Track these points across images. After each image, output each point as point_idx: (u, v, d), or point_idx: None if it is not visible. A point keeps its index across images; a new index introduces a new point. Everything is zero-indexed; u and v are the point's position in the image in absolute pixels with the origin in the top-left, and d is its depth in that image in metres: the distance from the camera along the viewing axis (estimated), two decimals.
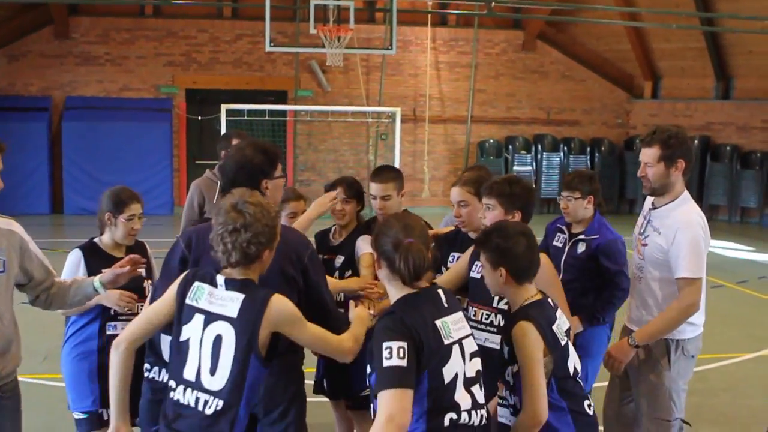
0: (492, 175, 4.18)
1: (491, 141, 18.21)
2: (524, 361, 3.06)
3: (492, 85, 18.33)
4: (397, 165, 15.21)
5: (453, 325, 2.90)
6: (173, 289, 3.00)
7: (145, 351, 3.55)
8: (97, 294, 3.68)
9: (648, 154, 3.96)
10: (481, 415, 2.92)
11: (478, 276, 3.59)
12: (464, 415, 2.84)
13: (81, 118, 16.33)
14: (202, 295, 2.92)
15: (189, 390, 2.88)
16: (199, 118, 16.80)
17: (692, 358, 4.08)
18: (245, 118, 15.45)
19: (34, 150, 16.14)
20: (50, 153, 16.39)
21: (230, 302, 2.89)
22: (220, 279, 2.93)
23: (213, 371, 2.85)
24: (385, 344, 2.72)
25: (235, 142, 5.33)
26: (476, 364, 2.96)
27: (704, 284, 3.98)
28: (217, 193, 5.27)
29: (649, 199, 4.18)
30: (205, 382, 2.86)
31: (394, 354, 2.70)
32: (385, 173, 4.63)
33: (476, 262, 3.63)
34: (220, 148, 5.64)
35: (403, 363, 2.69)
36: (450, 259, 4.15)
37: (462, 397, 2.85)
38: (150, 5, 16.60)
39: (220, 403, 2.83)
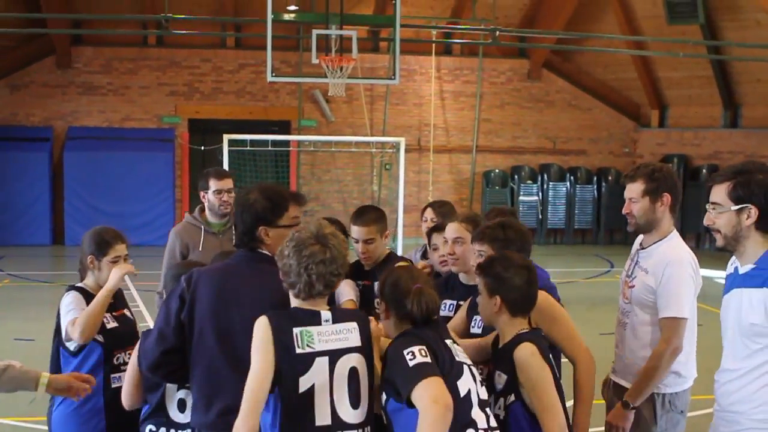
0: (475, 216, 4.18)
1: (497, 171, 18.23)
2: (535, 381, 3.05)
3: (497, 114, 18.39)
4: (401, 195, 15.27)
5: (460, 351, 3.05)
6: (265, 355, 2.81)
7: (143, 414, 3.41)
8: (36, 390, 3.33)
9: (632, 189, 3.85)
10: None
11: (479, 331, 3.57)
12: None
13: (83, 148, 16.41)
14: (312, 338, 2.87)
15: None
16: (202, 148, 16.86)
17: (681, 414, 3.87)
18: (248, 148, 15.49)
19: (36, 180, 16.23)
20: (52, 183, 16.45)
21: (349, 333, 2.94)
22: (325, 315, 2.93)
23: (356, 405, 2.90)
24: (406, 350, 2.85)
25: (214, 182, 5.26)
26: (484, 392, 3.04)
27: (694, 330, 3.82)
28: (202, 238, 5.20)
29: (638, 240, 4.07)
30: (347, 419, 2.88)
31: (417, 354, 2.83)
32: (367, 215, 4.34)
33: (474, 317, 3.61)
34: (200, 188, 5.40)
35: (428, 359, 2.83)
36: (442, 306, 3.96)
37: (478, 415, 2.93)
38: (153, 35, 16.73)
39: (369, 429, 2.94)
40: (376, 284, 4.11)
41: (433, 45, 17.39)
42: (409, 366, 2.80)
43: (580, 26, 17.35)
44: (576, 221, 18.15)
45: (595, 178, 18.33)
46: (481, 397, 2.99)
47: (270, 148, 15.94)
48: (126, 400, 3.39)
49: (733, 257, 3.31)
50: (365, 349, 2.96)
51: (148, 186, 16.48)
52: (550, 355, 3.19)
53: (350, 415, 2.87)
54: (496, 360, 3.23)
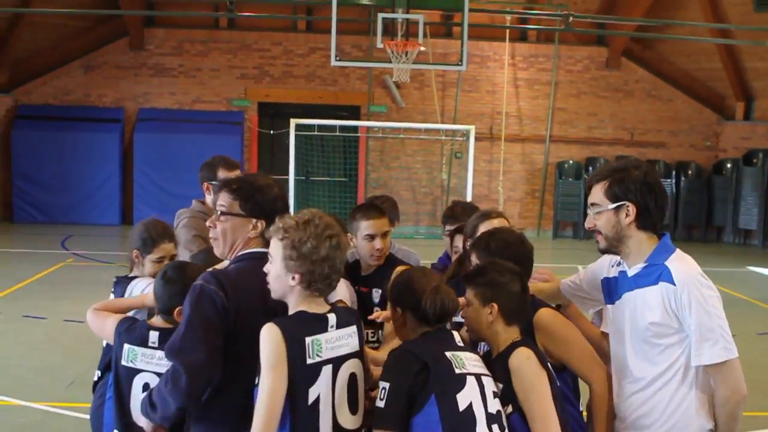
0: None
1: (570, 162, 18.00)
2: (529, 388, 2.90)
3: (573, 103, 18.14)
4: (470, 184, 15.21)
5: (467, 360, 2.88)
6: (280, 369, 2.65)
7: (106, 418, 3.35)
8: None
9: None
10: None
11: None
12: None
13: (153, 129, 16.77)
14: (321, 347, 2.77)
15: None
16: (271, 132, 17.07)
17: None
18: (315, 133, 15.63)
19: (106, 161, 16.68)
20: (122, 164, 16.88)
21: (349, 338, 2.86)
22: (331, 320, 2.82)
23: (355, 410, 2.85)
24: (381, 384, 2.80)
25: (223, 172, 4.83)
26: (497, 404, 2.88)
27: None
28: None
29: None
30: (347, 425, 2.82)
31: (386, 395, 2.77)
32: (377, 207, 4.23)
33: None
34: (203, 178, 4.95)
35: (392, 407, 2.76)
36: None
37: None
38: (224, 18, 16.99)
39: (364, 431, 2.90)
40: (375, 291, 4.07)
41: (507, 31, 17.25)
42: (377, 405, 2.78)
43: (662, 13, 16.97)
44: None
45: (674, 172, 17.94)
46: (490, 410, 2.83)
47: (338, 134, 16.03)
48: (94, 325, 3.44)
49: (611, 259, 3.26)
50: (361, 351, 2.91)
51: None
52: (549, 364, 3.04)
53: (349, 421, 2.82)
54: (493, 369, 3.02)
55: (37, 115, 16.82)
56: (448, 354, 2.85)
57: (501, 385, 2.94)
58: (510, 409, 2.93)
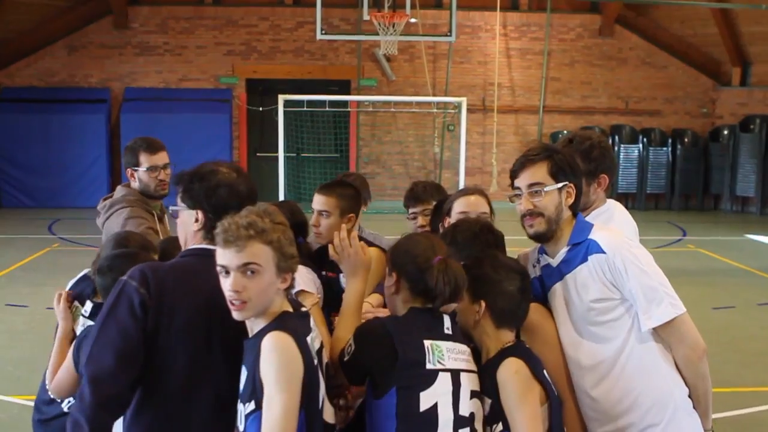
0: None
1: (565, 132, 17.93)
2: (515, 408, 2.66)
3: (566, 72, 18.11)
4: (463, 157, 15.19)
5: (448, 353, 2.67)
6: (296, 387, 2.41)
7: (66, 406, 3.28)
8: None
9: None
10: None
11: None
12: None
13: (140, 109, 16.70)
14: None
15: None
16: (260, 108, 17.02)
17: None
18: (305, 109, 15.59)
19: (93, 142, 16.63)
20: (109, 145, 16.83)
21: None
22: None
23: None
24: (349, 341, 2.74)
25: (146, 156, 4.47)
26: (472, 405, 2.67)
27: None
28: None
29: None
30: (329, 419, 2.69)
31: (346, 352, 2.72)
32: (333, 187, 3.82)
33: None
34: (126, 164, 4.60)
35: (345, 359, 2.72)
36: None
37: None
38: None
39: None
40: (341, 275, 3.59)
41: (498, 0, 17.17)
42: (342, 359, 2.72)
43: None
44: (648, 185, 17.85)
45: (669, 141, 17.95)
46: (461, 412, 2.62)
47: (328, 109, 16.00)
48: (59, 389, 3.26)
49: (529, 260, 3.17)
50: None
51: (205, 147, 16.63)
52: (545, 372, 2.80)
53: (330, 416, 2.70)
54: (480, 380, 2.77)
55: (22, 98, 16.73)
56: (426, 343, 2.65)
57: (489, 401, 2.73)
58: (500, 427, 2.70)
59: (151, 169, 4.49)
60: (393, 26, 11.61)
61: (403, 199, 4.53)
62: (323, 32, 11.98)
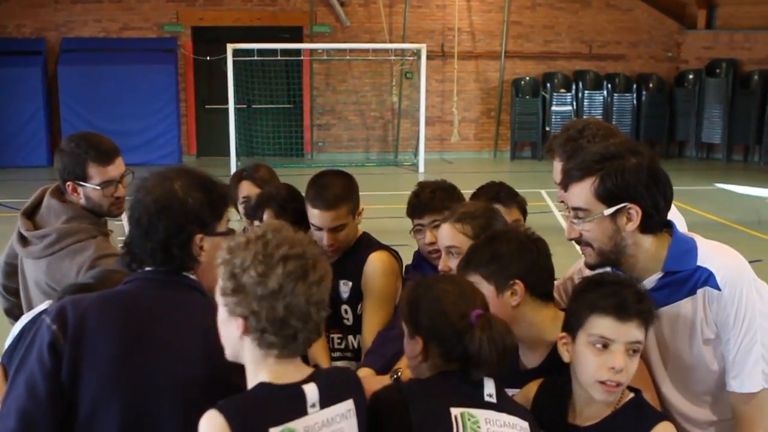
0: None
1: (527, 78, 18.02)
2: None
3: (528, 16, 18.07)
4: (422, 107, 15.16)
5: (487, 425, 2.13)
6: None
7: None
8: None
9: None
10: None
11: None
12: None
13: (78, 61, 16.35)
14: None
15: None
16: (208, 58, 16.75)
17: None
18: (255, 58, 15.42)
19: (29, 97, 16.23)
20: (46, 100, 16.47)
21: (345, 420, 2.06)
22: (311, 394, 1.99)
23: None
24: None
25: (96, 168, 3.42)
26: None
27: None
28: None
29: None
30: None
31: None
32: (329, 190, 3.29)
33: None
34: (67, 176, 3.51)
35: None
36: None
37: None
38: None
39: None
40: (343, 283, 3.42)
41: None
42: None
43: None
44: None
45: (634, 86, 18.07)
46: None
47: (280, 58, 15.83)
48: None
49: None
50: None
51: (150, 101, 16.46)
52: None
53: None
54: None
55: None
56: (455, 412, 2.12)
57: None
58: None
59: (105, 185, 3.41)
60: None
61: (405, 209, 3.56)
62: None
